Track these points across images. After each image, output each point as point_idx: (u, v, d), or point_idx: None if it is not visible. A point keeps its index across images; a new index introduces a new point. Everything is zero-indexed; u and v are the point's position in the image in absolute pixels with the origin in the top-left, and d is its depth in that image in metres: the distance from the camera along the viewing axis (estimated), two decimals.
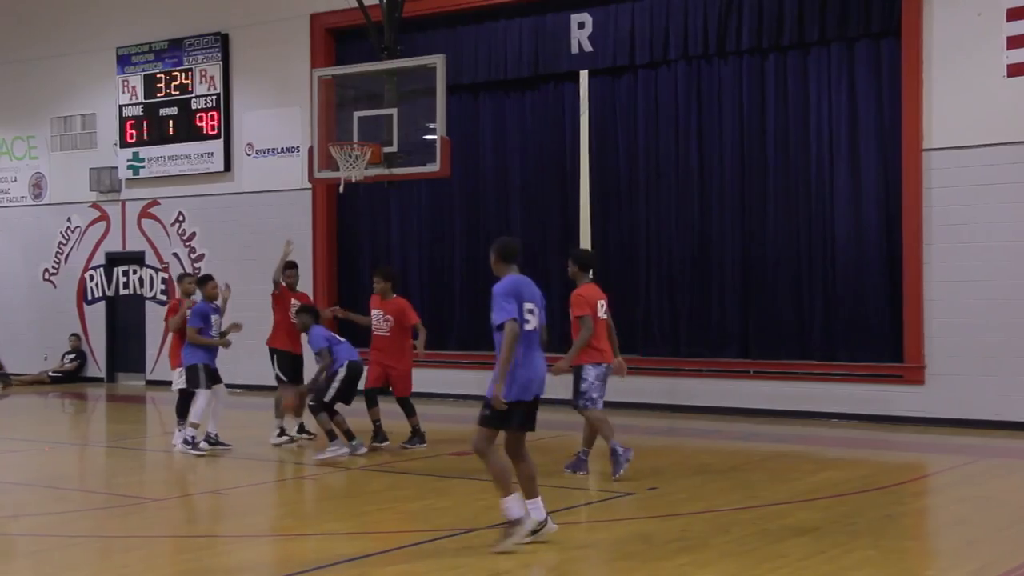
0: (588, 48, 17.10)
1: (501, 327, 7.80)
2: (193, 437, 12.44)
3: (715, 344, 16.37)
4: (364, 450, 12.22)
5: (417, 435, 12.88)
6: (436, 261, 18.70)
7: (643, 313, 17.01)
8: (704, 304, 16.51)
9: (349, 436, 12.13)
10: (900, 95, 14.97)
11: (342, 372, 12.08)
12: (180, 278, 13.60)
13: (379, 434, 12.72)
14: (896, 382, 14.95)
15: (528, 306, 7.93)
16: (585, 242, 17.82)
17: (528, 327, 7.90)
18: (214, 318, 12.65)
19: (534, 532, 7.78)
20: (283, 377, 13.15)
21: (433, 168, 14.86)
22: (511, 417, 7.85)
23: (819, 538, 8.20)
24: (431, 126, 14.93)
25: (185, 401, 12.73)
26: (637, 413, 16.00)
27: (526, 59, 17.60)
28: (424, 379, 18.03)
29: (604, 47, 16.98)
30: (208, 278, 12.94)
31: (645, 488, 10.25)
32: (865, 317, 15.38)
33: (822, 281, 15.72)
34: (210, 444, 12.58)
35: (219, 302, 12.81)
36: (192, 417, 12.47)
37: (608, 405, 16.36)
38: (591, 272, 11.44)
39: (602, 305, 11.12)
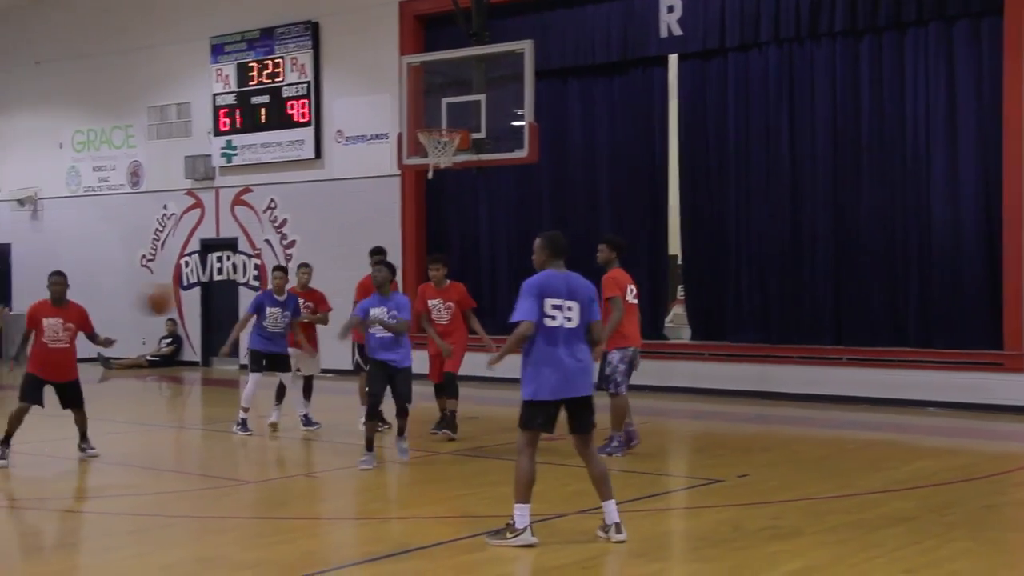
0: (677, 32, 16.91)
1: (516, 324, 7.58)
2: (244, 419, 12.77)
3: (807, 330, 16.11)
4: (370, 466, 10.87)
5: (448, 422, 12.25)
6: (524, 247, 18.45)
7: (733, 299, 16.82)
8: (796, 290, 16.25)
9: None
10: (1001, 76, 14.57)
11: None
12: (299, 267, 13.78)
13: (449, 423, 12.34)
14: (996, 370, 14.58)
15: (554, 302, 7.54)
16: (674, 227, 17.70)
17: (552, 324, 7.53)
18: (270, 310, 12.85)
19: (605, 532, 7.58)
20: (364, 365, 13.16)
21: (521, 154, 14.82)
22: (538, 417, 7.57)
23: (915, 528, 8.04)
24: (519, 112, 14.88)
25: (306, 386, 13.32)
26: (727, 400, 15.87)
27: (614, 43, 17.45)
28: (513, 365, 18.08)
29: (694, 30, 16.77)
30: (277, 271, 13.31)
31: (735, 475, 10.10)
32: (962, 303, 15.04)
33: (918, 266, 15.38)
34: (304, 426, 12.94)
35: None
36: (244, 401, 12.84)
37: (699, 392, 16.49)
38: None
39: (632, 290, 11.09)
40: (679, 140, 17.40)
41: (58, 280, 11.08)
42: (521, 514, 7.45)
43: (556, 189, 18.32)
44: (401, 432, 10.90)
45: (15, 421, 10.82)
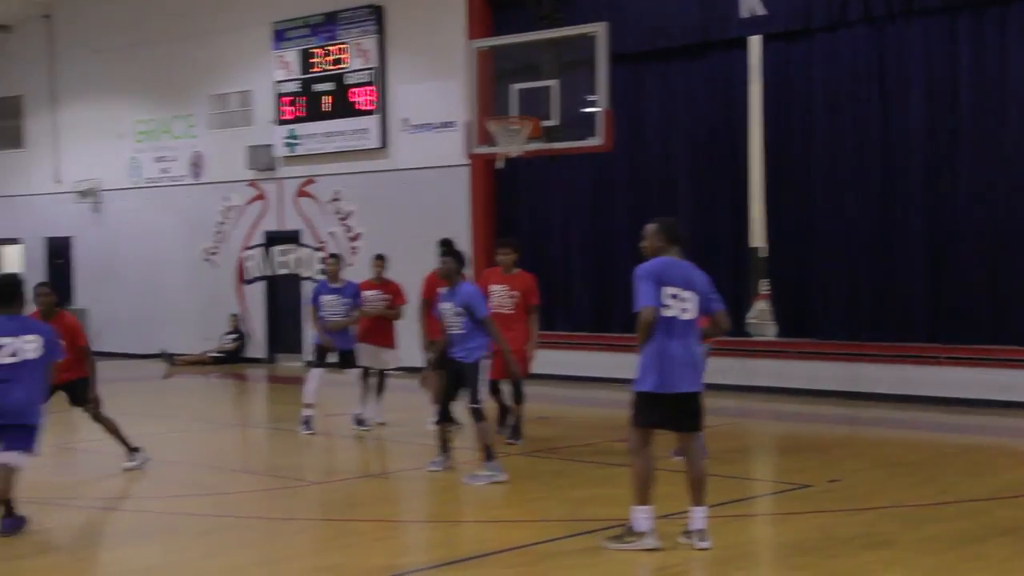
0: (760, 11, 16.21)
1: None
2: (308, 417, 12.55)
3: (899, 327, 15.39)
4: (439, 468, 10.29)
5: (513, 428, 11.55)
6: (598, 239, 18.10)
7: (820, 294, 16.15)
8: (887, 283, 15.51)
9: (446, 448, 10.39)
10: None
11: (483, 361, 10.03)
12: (373, 258, 13.45)
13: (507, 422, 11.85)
14: None
15: (671, 291, 7.26)
16: (756, 220, 17.03)
17: (669, 313, 7.24)
18: (325, 298, 12.67)
19: (688, 537, 7.33)
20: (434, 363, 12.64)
21: (595, 142, 14.55)
22: (653, 412, 7.31)
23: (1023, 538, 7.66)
24: (592, 98, 14.62)
25: (380, 383, 13.07)
26: (813, 400, 15.33)
27: (693, 25, 16.80)
28: (586, 363, 17.70)
29: (777, 10, 16.06)
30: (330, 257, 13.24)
31: (824, 480, 9.72)
32: None
33: (1022, 258, 14.58)
34: (357, 425, 12.66)
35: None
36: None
37: (784, 392, 15.90)
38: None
39: None
40: (762, 127, 16.70)
41: (44, 291, 10.11)
42: (642, 517, 7.26)
43: (631, 178, 17.74)
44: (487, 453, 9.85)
45: None
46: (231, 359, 21.53)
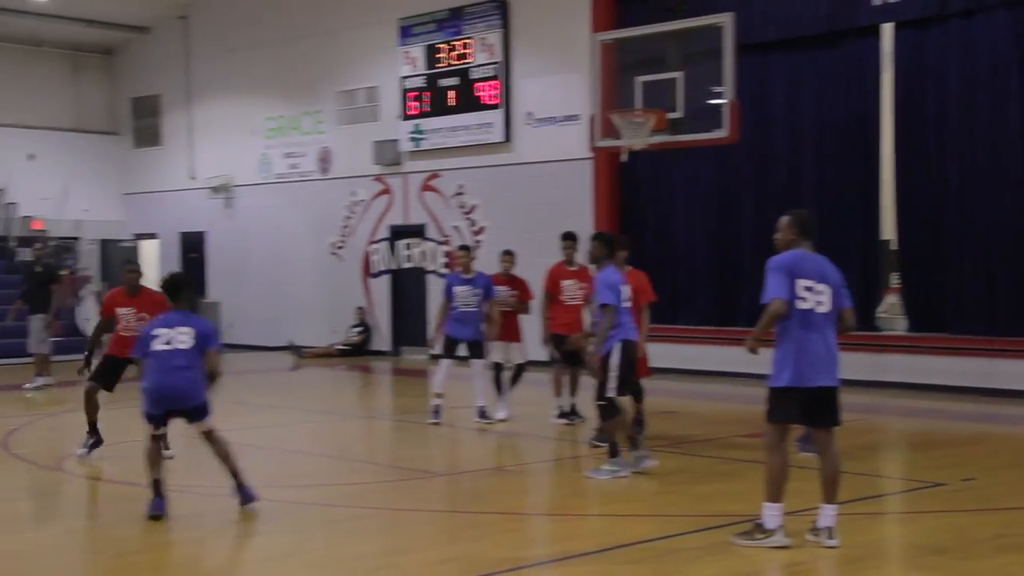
0: None
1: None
2: (437, 406, 12.63)
3: None
4: (651, 463, 9.84)
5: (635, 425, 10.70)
6: (723, 233, 17.84)
7: (954, 287, 15.65)
8: None
9: (634, 444, 9.90)
10: None
11: (616, 355, 9.48)
12: (502, 254, 13.39)
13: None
14: None
15: (805, 283, 7.14)
16: (887, 212, 16.60)
17: (804, 306, 7.09)
18: (458, 289, 12.66)
19: (815, 535, 7.17)
20: (557, 357, 12.59)
21: (720, 134, 14.40)
22: (790, 407, 7.14)
23: None
24: (718, 89, 14.45)
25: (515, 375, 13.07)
26: (947, 396, 14.88)
27: (822, 13, 16.41)
28: (710, 357, 17.46)
29: None
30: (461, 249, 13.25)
31: (958, 479, 9.42)
32: None
33: None
34: (480, 418, 12.64)
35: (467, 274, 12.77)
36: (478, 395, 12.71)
37: (915, 388, 15.47)
38: None
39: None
40: (893, 116, 16.26)
41: (131, 269, 10.95)
42: (772, 514, 7.12)
43: (757, 171, 17.44)
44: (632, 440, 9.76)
45: (89, 405, 10.63)
46: (357, 352, 21.81)
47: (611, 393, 9.41)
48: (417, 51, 20.82)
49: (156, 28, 25.95)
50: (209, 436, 8.41)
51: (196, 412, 8.34)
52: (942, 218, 15.72)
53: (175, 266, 25.30)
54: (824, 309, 7.17)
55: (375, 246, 21.97)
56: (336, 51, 22.38)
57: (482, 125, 19.97)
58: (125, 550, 7.40)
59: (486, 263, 17.37)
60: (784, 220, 7.43)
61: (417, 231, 21.30)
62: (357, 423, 14.35)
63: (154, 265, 25.99)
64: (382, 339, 21.99)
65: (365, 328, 22.08)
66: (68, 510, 9.06)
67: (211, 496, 8.68)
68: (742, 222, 17.60)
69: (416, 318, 21.29)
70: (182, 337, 8.27)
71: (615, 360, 9.35)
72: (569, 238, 12.61)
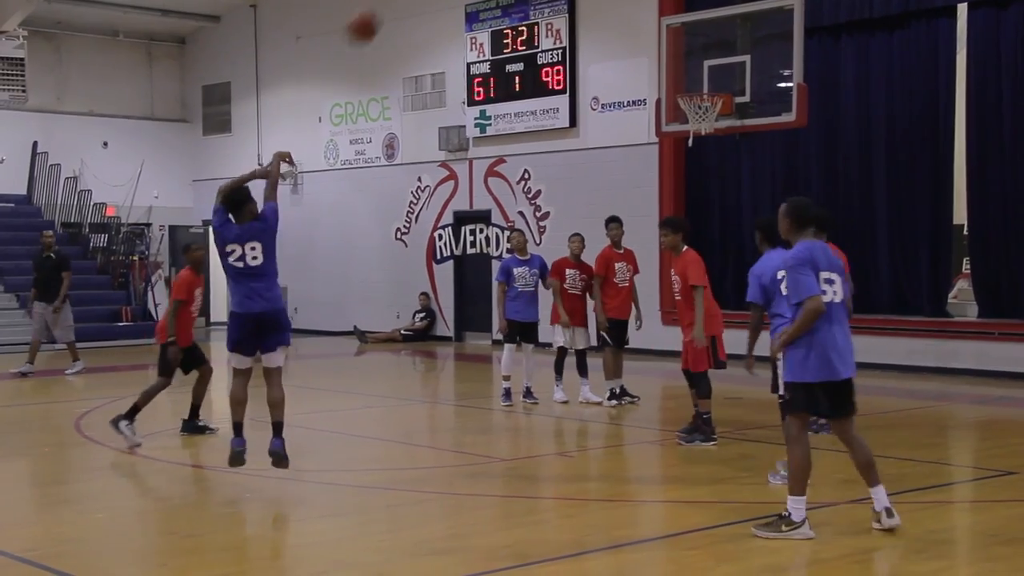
0: None
1: (800, 304, 6.91)
2: (509, 389, 12.75)
3: None
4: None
5: (699, 427, 10.49)
6: None
7: None
8: None
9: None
10: None
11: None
12: (571, 237, 13.28)
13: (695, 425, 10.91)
14: None
15: (825, 275, 7.03)
16: (959, 196, 16.29)
17: (825, 299, 6.97)
18: (517, 271, 12.74)
19: (878, 521, 7.06)
20: (607, 339, 12.56)
21: (788, 118, 14.29)
22: (812, 400, 7.05)
23: None
24: (787, 73, 14.36)
25: (580, 360, 13.00)
26: (1017, 384, 14.55)
27: None
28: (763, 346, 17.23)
29: None
30: (511, 233, 13.40)
31: None
32: None
33: None
34: (525, 397, 12.80)
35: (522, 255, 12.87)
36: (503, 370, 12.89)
37: (986, 375, 15.21)
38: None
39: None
40: (966, 99, 15.96)
41: (196, 247, 11.31)
42: (799, 506, 7.01)
43: (826, 155, 17.22)
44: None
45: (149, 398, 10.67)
46: (421, 337, 21.91)
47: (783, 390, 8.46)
48: (483, 37, 20.81)
49: (227, 17, 26.22)
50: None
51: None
52: (1015, 202, 15.42)
53: None
54: (839, 299, 7.09)
55: (440, 232, 22.04)
56: (403, 38, 22.41)
57: (548, 111, 19.92)
58: (194, 531, 7.49)
59: (551, 247, 17.36)
60: (781, 208, 7.25)
61: (482, 217, 21.32)
62: (420, 408, 14.39)
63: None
64: (446, 325, 22.07)
65: (429, 314, 22.16)
66: (139, 491, 9.20)
67: (278, 479, 8.76)
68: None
69: (480, 304, 21.33)
70: (252, 252, 8.35)
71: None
72: (615, 221, 12.70)
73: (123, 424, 10.44)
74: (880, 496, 7.06)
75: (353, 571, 6.67)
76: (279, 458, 8.41)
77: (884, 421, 11.99)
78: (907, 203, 16.18)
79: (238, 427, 8.57)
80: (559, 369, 12.99)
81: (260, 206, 8.52)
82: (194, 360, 11.03)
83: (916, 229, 16.00)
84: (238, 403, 8.58)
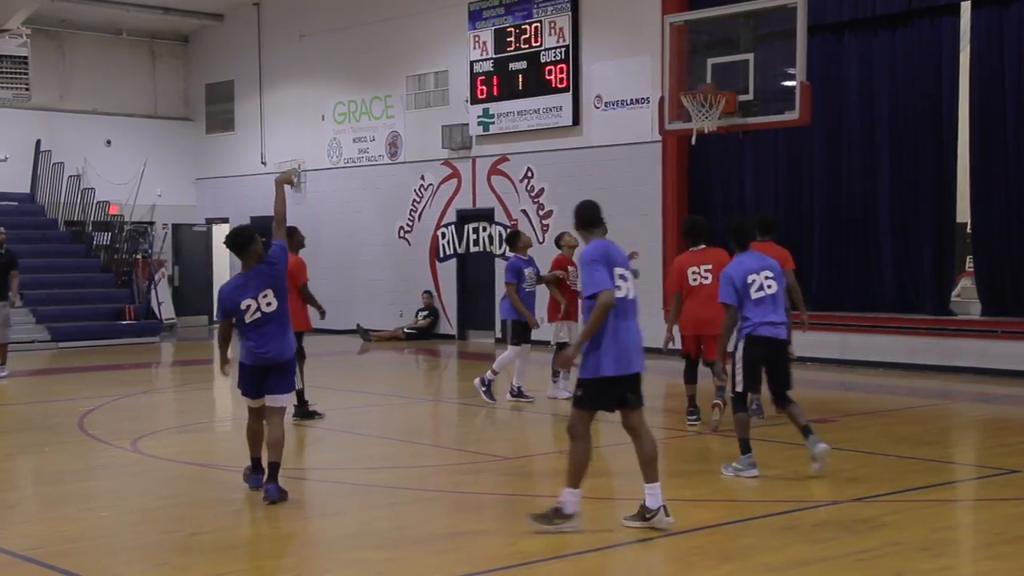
0: None
1: (593, 297, 7.04)
2: (491, 382, 12.80)
3: None
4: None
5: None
6: (793, 215, 17.60)
7: None
8: None
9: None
10: None
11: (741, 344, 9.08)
12: (560, 236, 13.49)
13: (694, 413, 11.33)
14: None
15: (619, 272, 7.18)
16: (963, 195, 16.28)
17: (619, 294, 7.10)
18: (527, 271, 12.87)
19: (645, 519, 7.19)
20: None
21: (792, 116, 14.24)
22: (607, 395, 7.16)
23: None
24: (790, 71, 14.30)
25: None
26: (1020, 382, 14.53)
27: None
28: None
29: None
30: (518, 234, 13.40)
31: None
32: None
33: None
34: (513, 396, 12.88)
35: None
36: (495, 364, 12.89)
37: (989, 373, 15.15)
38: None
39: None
40: (970, 97, 15.95)
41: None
42: (570, 499, 7.17)
43: (829, 153, 17.21)
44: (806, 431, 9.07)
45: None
46: (424, 335, 21.92)
47: (739, 387, 9.06)
48: (486, 35, 20.81)
49: (230, 15, 26.22)
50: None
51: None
52: (1018, 200, 15.41)
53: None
54: (632, 295, 7.25)
55: (443, 230, 22.04)
56: (406, 36, 22.43)
57: (551, 109, 19.92)
58: (197, 529, 7.49)
59: (554, 246, 17.33)
60: (575, 213, 7.47)
61: (485, 215, 21.32)
62: (423, 406, 14.41)
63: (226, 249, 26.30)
64: (449, 323, 22.07)
65: (432, 312, 22.17)
66: (143, 490, 9.21)
67: (281, 478, 8.76)
68: (814, 205, 17.38)
69: (483, 302, 21.33)
70: (264, 300, 8.21)
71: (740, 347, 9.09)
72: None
73: None
74: (655, 493, 7.14)
75: (356, 569, 6.67)
76: (274, 502, 8.08)
77: (887, 419, 12.01)
78: (910, 201, 16.17)
79: (256, 463, 8.45)
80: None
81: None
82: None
83: (919, 227, 15.98)
84: (254, 439, 8.44)
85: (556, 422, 12.14)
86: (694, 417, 11.22)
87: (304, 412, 11.70)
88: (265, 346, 8.16)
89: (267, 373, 8.23)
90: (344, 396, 14.18)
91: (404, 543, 7.12)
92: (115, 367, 17.80)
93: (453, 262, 21.95)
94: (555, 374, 13.14)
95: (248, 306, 8.18)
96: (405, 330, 21.99)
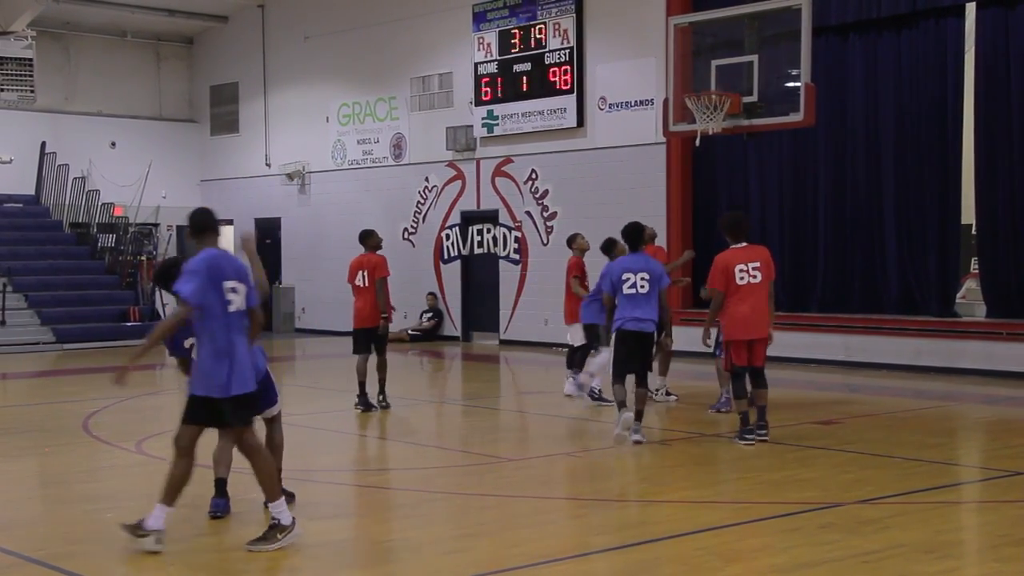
0: None
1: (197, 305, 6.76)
2: (587, 385, 12.69)
3: None
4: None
5: (754, 424, 10.28)
6: (798, 217, 17.62)
7: None
8: None
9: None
10: None
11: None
12: (573, 237, 13.47)
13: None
14: None
15: (231, 284, 6.84)
16: (968, 196, 16.26)
17: (231, 308, 6.82)
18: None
19: (274, 534, 6.92)
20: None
21: (796, 117, 14.22)
22: (199, 412, 6.88)
23: None
24: (794, 72, 14.28)
25: (577, 353, 13.00)
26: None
27: None
28: (781, 343, 17.13)
29: None
30: (615, 241, 12.93)
31: None
32: None
33: None
34: (593, 399, 12.72)
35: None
36: (590, 367, 12.62)
37: (993, 375, 15.02)
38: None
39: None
40: (974, 99, 15.92)
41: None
42: (163, 516, 6.90)
43: (834, 154, 17.21)
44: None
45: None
46: (428, 337, 21.92)
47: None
48: (491, 37, 20.81)
49: (234, 17, 26.25)
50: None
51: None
52: None
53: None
54: (243, 308, 6.93)
55: (447, 232, 22.04)
56: (410, 38, 22.44)
57: (555, 110, 19.92)
58: (201, 531, 7.49)
59: (558, 248, 17.36)
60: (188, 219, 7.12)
61: (490, 217, 21.32)
62: (428, 408, 14.40)
63: (231, 251, 26.29)
64: (453, 325, 22.07)
65: (436, 314, 22.16)
66: (148, 491, 9.17)
67: (286, 480, 8.73)
68: (818, 207, 17.37)
69: (487, 304, 21.32)
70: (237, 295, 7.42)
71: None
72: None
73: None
74: (283, 509, 6.95)
75: (361, 571, 6.68)
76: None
77: (891, 421, 11.99)
78: (915, 202, 16.15)
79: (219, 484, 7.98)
80: (578, 364, 13.00)
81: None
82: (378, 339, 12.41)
83: (924, 228, 15.96)
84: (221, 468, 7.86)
85: (562, 424, 12.13)
86: (753, 436, 10.17)
87: (382, 403, 12.49)
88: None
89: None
90: (349, 398, 14.15)
91: (408, 546, 7.12)
92: (120, 369, 17.75)
93: (458, 264, 21.94)
94: (571, 370, 13.09)
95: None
96: (409, 332, 21.99)
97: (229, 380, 6.80)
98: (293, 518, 6.95)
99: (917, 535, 7.02)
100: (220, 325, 6.79)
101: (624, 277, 10.24)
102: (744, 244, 10.39)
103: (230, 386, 6.81)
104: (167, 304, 24.15)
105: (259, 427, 7.59)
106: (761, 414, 10.23)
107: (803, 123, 14.28)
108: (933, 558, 6.61)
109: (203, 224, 7.04)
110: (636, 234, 10.55)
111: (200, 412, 6.91)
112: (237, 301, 6.86)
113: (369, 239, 13.01)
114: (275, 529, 6.91)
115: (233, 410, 6.87)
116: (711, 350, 11.43)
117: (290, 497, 7.96)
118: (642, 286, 10.21)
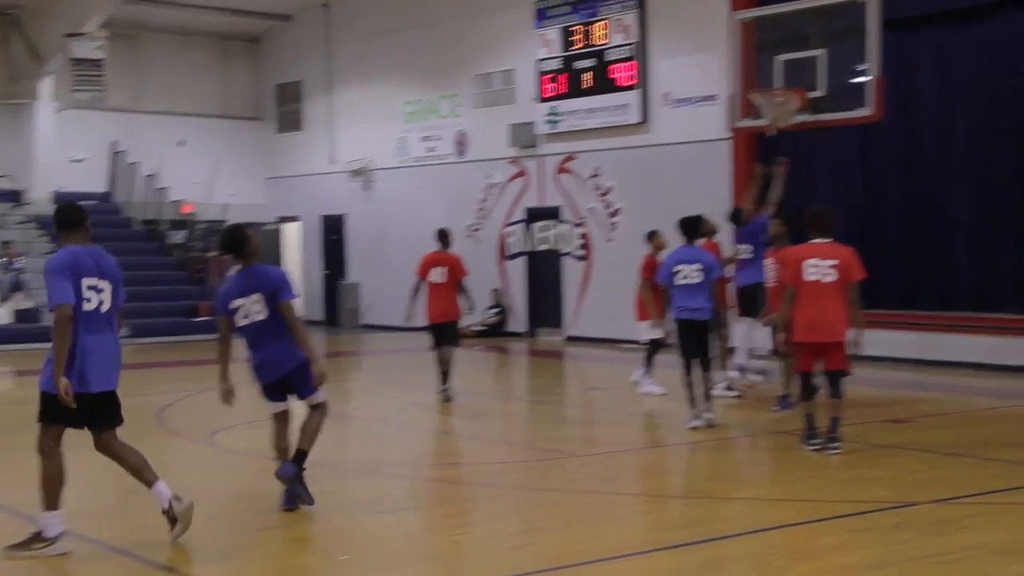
0: None
1: (53, 311, 6.58)
2: (746, 371, 13.12)
3: None
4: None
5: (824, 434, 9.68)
6: (867, 214, 17.39)
7: None
8: None
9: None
10: None
11: None
12: (651, 234, 13.36)
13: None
14: None
15: (91, 282, 6.69)
16: None
17: (89, 307, 6.67)
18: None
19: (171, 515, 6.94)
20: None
21: (864, 112, 14.12)
22: (63, 411, 6.62)
23: None
24: (862, 67, 14.16)
25: (653, 351, 12.98)
26: None
27: None
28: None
29: None
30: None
31: None
32: None
33: None
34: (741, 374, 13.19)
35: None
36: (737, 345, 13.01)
37: None
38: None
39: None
40: None
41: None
42: (55, 521, 6.76)
43: (904, 151, 16.95)
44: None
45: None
46: (493, 333, 21.97)
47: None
48: (553, 33, 20.81)
49: (298, 16, 26.47)
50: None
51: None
52: None
53: (317, 249, 25.86)
54: (107, 308, 6.78)
55: (510, 228, 22.07)
56: (473, 35, 22.50)
57: (618, 106, 19.86)
58: (267, 524, 7.56)
59: (621, 245, 17.34)
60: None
61: (552, 213, 21.32)
62: (494, 403, 14.44)
63: (296, 248, 26.66)
64: (518, 320, 22.11)
65: (501, 309, 22.22)
66: (218, 483, 9.32)
67: (351, 473, 8.85)
68: (887, 202, 17.15)
69: (551, 300, 21.33)
70: (255, 307, 7.65)
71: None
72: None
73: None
74: (162, 491, 6.99)
75: (427, 565, 6.72)
76: (285, 479, 7.64)
77: (966, 420, 11.82)
78: (990, 197, 15.85)
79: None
80: (652, 362, 13.00)
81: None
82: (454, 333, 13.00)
83: (1000, 225, 15.66)
84: (279, 452, 7.96)
85: (630, 419, 12.13)
86: (819, 442, 9.58)
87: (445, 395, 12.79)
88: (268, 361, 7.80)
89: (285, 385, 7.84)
90: (414, 393, 14.26)
91: (475, 540, 7.16)
92: (190, 363, 18.06)
93: (522, 260, 21.97)
94: (647, 368, 13.10)
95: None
96: (475, 327, 22.03)
97: (89, 376, 6.66)
98: (62, 532, 6.76)
99: (993, 537, 6.91)
100: (82, 324, 6.64)
101: (676, 268, 10.90)
102: (824, 240, 9.71)
103: (93, 382, 6.69)
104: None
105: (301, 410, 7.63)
106: (833, 426, 9.52)
107: (872, 118, 14.16)
108: (1009, 561, 6.50)
109: (70, 220, 6.87)
110: (691, 226, 11.22)
111: (57, 410, 6.68)
112: (96, 300, 6.73)
113: (447, 237, 13.63)
114: (36, 539, 6.76)
115: (92, 409, 6.76)
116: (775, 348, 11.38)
117: (300, 474, 7.71)
118: (694, 276, 10.82)
